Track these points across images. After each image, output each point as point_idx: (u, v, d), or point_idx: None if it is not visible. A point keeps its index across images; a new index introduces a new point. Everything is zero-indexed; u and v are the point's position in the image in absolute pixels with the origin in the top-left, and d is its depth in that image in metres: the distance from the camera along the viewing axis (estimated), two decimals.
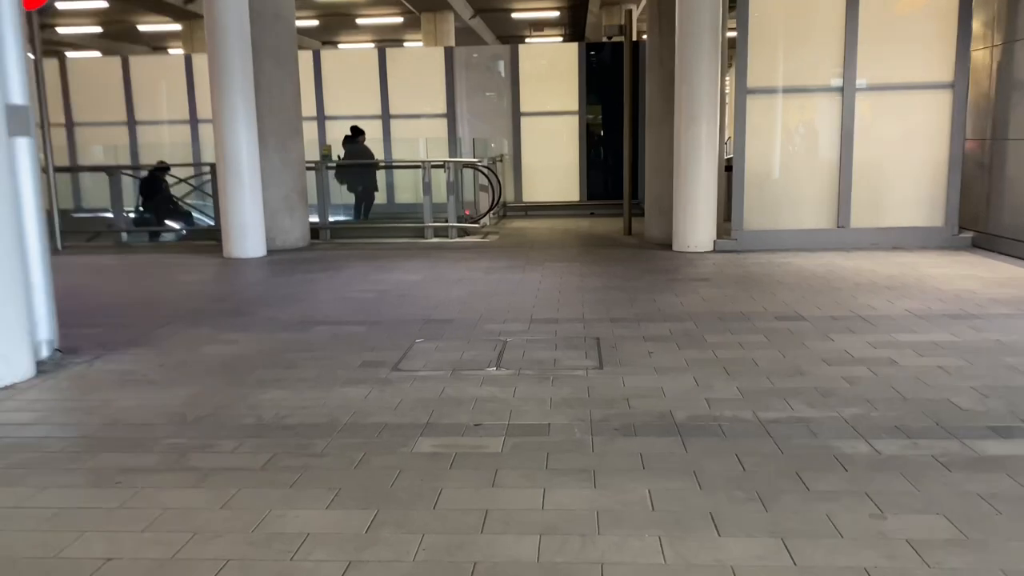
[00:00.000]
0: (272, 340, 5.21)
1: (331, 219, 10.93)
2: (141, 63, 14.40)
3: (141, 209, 11.94)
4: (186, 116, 14.11)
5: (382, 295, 6.69)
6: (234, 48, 8.70)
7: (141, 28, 24.09)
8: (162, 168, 11.79)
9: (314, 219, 10.47)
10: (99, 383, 4.35)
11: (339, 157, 12.28)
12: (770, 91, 8.72)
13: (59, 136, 14.11)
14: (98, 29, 24.48)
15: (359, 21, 24.95)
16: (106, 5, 20.51)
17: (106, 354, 4.93)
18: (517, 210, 13.44)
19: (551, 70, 13.78)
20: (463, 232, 10.86)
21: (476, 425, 3.55)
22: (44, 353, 4.81)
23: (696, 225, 8.67)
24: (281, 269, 8.25)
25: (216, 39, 8.69)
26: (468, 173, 11.60)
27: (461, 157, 13.16)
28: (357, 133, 12.25)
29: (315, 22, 24.30)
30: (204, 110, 13.94)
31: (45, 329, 4.82)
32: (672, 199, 8.88)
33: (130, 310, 6.33)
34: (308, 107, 11.91)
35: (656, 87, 9.50)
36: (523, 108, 13.74)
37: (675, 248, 8.84)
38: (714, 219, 8.77)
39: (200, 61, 14.16)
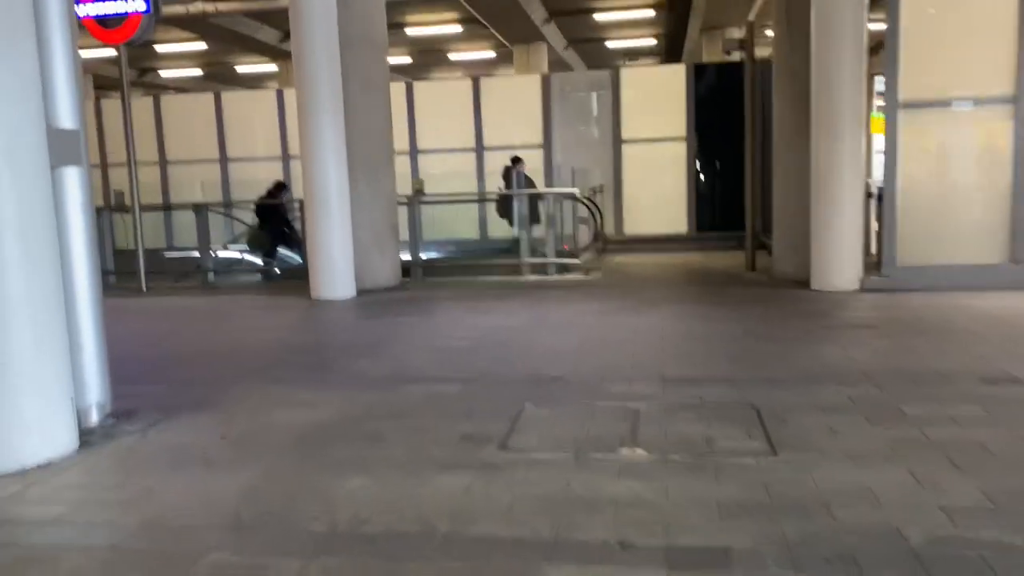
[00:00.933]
0: (356, 402, 4.37)
1: (423, 256, 10.19)
2: (234, 99, 14.24)
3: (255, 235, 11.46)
4: (278, 152, 13.81)
5: (480, 343, 5.80)
6: (322, 72, 8.11)
7: (239, 69, 24.51)
8: (281, 186, 11.33)
9: (404, 256, 9.75)
10: (148, 462, 3.58)
11: (417, 190, 11.27)
12: (926, 104, 7.48)
13: (152, 174, 14.04)
14: (199, 72, 25.08)
15: (451, 56, 24.72)
16: (205, 47, 20.88)
17: (164, 420, 4.20)
18: (618, 244, 12.44)
19: (655, 95, 12.82)
20: (563, 269, 9.94)
21: (622, 547, 2.56)
22: (94, 419, 4.11)
23: (840, 259, 7.46)
24: (370, 312, 7.50)
25: (304, 63, 8.12)
26: (567, 205, 10.71)
27: (559, 188, 12.31)
28: (516, 162, 11.03)
29: (408, 59, 24.18)
30: (296, 146, 13.64)
31: (95, 390, 4.12)
32: (808, 230, 7.71)
33: (203, 362, 5.65)
34: (400, 141, 11.30)
35: (787, 105, 8.39)
36: (625, 135, 12.80)
37: (814, 287, 7.64)
38: (860, 252, 7.55)
39: (292, 97, 13.87)
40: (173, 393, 4.75)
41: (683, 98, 12.67)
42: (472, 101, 13.05)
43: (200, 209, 10.35)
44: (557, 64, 24.51)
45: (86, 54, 21.04)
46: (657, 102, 12.78)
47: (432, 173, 12.83)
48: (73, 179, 3.99)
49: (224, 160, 13.94)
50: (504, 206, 10.69)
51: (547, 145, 12.94)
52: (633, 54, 26.52)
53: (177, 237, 13.61)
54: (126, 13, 9.15)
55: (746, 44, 9.26)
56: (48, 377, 3.63)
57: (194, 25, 17.37)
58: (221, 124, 13.89)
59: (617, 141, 12.73)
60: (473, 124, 13.07)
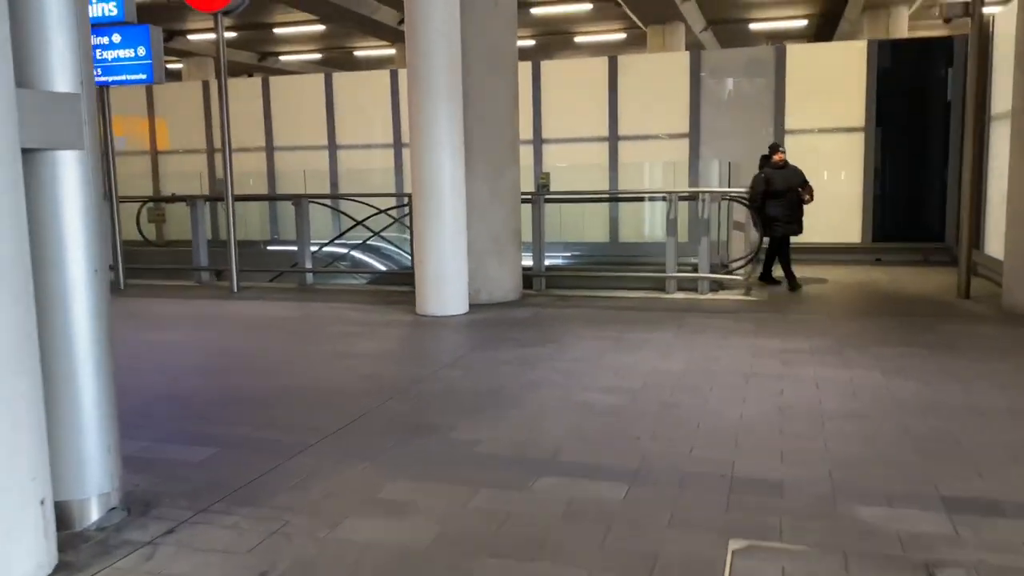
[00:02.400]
0: (465, 511, 2.91)
1: (547, 263, 8.68)
2: (345, 81, 13.15)
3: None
4: (390, 139, 12.64)
5: (635, 402, 4.24)
6: (438, 44, 6.73)
7: (358, 54, 23.80)
8: None
9: (526, 262, 8.29)
10: None
11: (542, 186, 9.66)
12: None
13: (257, 161, 13.17)
14: (317, 56, 24.55)
15: (578, 40, 23.10)
16: (323, 29, 20.14)
17: (190, 519, 2.87)
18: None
19: (827, 78, 10.79)
20: (716, 285, 8.22)
21: None
22: (92, 516, 2.83)
23: None
24: (485, 339, 6.06)
25: (416, 33, 6.76)
26: (715, 208, 8.93)
27: (708, 186, 10.54)
28: (775, 151, 8.39)
29: (531, 42, 22.75)
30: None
31: (97, 473, 2.85)
32: None
33: (272, 406, 4.35)
34: (524, 128, 9.82)
35: None
36: (789, 125, 10.85)
37: None
38: None
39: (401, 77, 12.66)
40: (218, 463, 3.43)
41: (862, 82, 10.58)
42: (607, 83, 11.39)
43: (300, 201, 9.23)
44: (694, 47, 22.47)
45: (202, 38, 20.76)
46: (829, 86, 10.75)
47: (558, 166, 11.30)
48: (71, 166, 2.70)
49: (333, 147, 12.89)
50: (760, 210, 8.27)
51: (694, 135, 11.15)
52: (778, 37, 24.08)
53: (283, 228, 12.70)
54: None
55: (973, 9, 7.21)
56: (7, 470, 2.34)
57: (312, 5, 16.52)
58: (331, 108, 12.84)
59: (779, 130, 10.79)
60: (607, 110, 11.42)
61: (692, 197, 8.44)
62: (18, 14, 2.48)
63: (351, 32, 20.60)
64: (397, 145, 12.53)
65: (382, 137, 12.62)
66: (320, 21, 19.27)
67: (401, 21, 19.17)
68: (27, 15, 2.52)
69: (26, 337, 2.41)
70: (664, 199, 8.28)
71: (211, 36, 20.14)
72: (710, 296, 7.86)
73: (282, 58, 24.67)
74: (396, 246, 10.86)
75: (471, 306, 7.18)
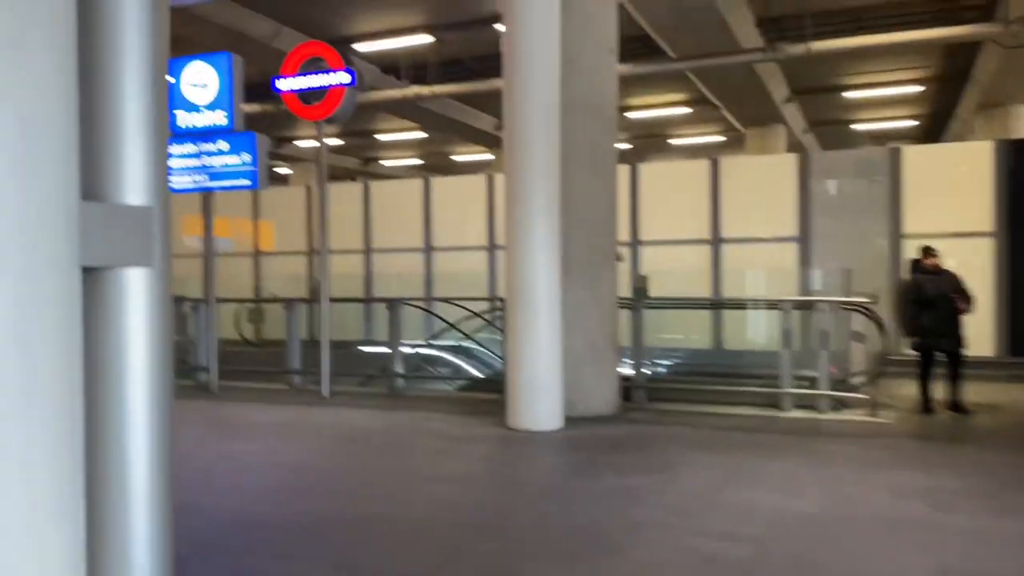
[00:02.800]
0: None
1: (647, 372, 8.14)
2: (442, 185, 13.29)
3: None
4: (485, 242, 12.56)
5: (762, 556, 3.62)
6: (536, 146, 6.54)
7: (456, 159, 24.41)
8: None
9: (624, 370, 7.77)
10: None
11: (639, 290, 9.20)
12: None
13: (356, 263, 13.29)
14: (418, 161, 25.33)
15: (673, 142, 23.04)
16: (423, 135, 20.76)
17: None
18: (894, 365, 9.62)
19: (947, 180, 10.10)
20: (838, 403, 7.46)
21: None
22: None
23: None
24: (582, 463, 5.54)
25: (515, 135, 6.61)
26: (829, 317, 8.23)
27: (819, 293, 9.84)
28: (927, 254, 7.54)
29: (626, 145, 22.81)
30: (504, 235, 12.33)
31: None
32: None
33: (351, 547, 3.95)
34: (620, 229, 9.51)
35: None
36: (907, 229, 10.13)
37: None
38: None
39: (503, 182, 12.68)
40: None
41: (988, 184, 9.84)
42: (709, 185, 11.03)
43: (393, 304, 9.08)
44: (795, 148, 22.06)
45: (309, 144, 21.74)
46: (951, 188, 10.05)
47: (656, 269, 10.88)
48: (139, 285, 2.46)
49: (428, 249, 12.91)
50: (915, 320, 7.36)
51: (803, 238, 10.56)
52: (882, 138, 23.34)
53: (377, 329, 12.64)
54: (328, 87, 8.26)
55: None
56: None
57: (414, 114, 17.05)
58: (428, 211, 12.93)
59: (896, 236, 10.09)
60: (709, 212, 11.02)
61: (807, 305, 7.81)
62: (91, 119, 2.29)
63: (450, 138, 21.17)
64: (492, 248, 12.43)
65: (477, 239, 12.56)
66: (422, 129, 19.88)
67: (499, 126, 19.62)
68: (101, 121, 2.34)
69: (70, 479, 2.10)
70: (774, 307, 7.69)
71: (318, 143, 21.12)
72: (832, 416, 7.11)
73: (384, 163, 25.57)
74: (487, 348, 10.54)
75: (566, 419, 6.69)
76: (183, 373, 10.30)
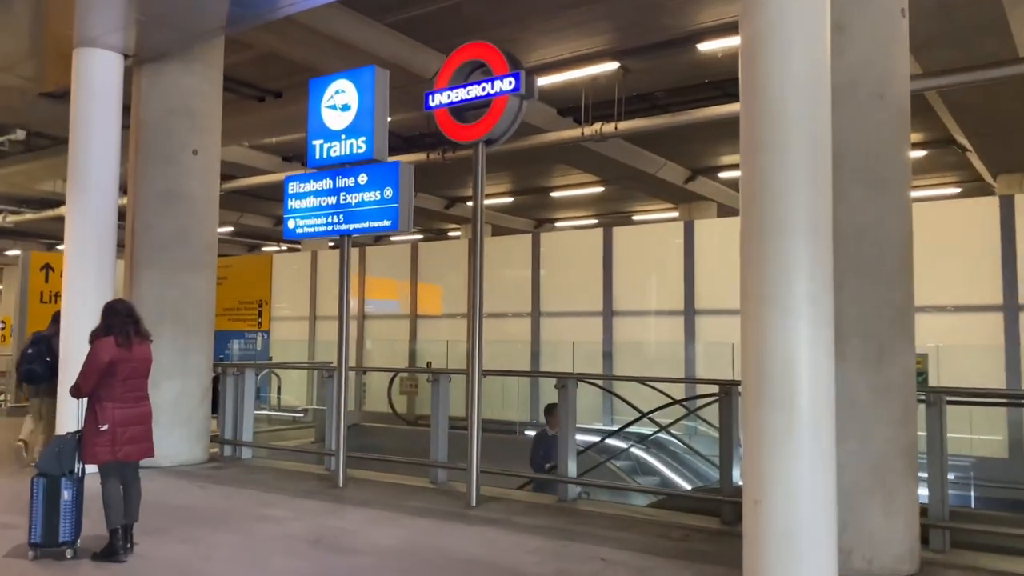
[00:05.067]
0: None
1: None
2: (626, 234, 11.03)
3: None
4: (680, 306, 10.10)
5: None
6: (794, 148, 4.12)
7: (637, 218, 22.21)
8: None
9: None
10: None
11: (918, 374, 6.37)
12: None
13: (521, 327, 11.23)
14: (594, 221, 23.42)
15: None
16: (601, 191, 18.76)
17: None
18: None
19: None
20: None
21: None
22: None
23: None
24: None
25: (757, 128, 4.20)
26: None
27: None
28: None
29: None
30: (706, 296, 9.80)
31: None
32: None
33: None
34: None
35: None
36: None
37: None
38: None
39: (704, 229, 10.21)
40: None
41: None
42: (999, 234, 8.01)
43: (564, 382, 6.83)
44: None
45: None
46: None
47: (929, 344, 7.92)
48: None
49: (608, 314, 10.61)
50: None
51: None
52: None
53: (543, 408, 10.46)
54: (490, 95, 6.34)
55: None
56: None
57: (593, 165, 15.06)
58: (608, 267, 10.69)
59: None
60: (1000, 271, 7.97)
61: None
62: None
63: (632, 193, 19.06)
64: (688, 311, 9.94)
65: (672, 303, 10.13)
66: (600, 183, 17.95)
67: (689, 179, 17.23)
68: None
69: None
70: None
71: (490, 201, 19.68)
72: None
73: (559, 224, 23.89)
74: (691, 446, 8.00)
75: None
76: (314, 456, 8.58)
